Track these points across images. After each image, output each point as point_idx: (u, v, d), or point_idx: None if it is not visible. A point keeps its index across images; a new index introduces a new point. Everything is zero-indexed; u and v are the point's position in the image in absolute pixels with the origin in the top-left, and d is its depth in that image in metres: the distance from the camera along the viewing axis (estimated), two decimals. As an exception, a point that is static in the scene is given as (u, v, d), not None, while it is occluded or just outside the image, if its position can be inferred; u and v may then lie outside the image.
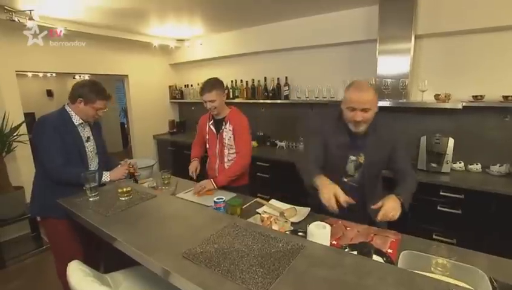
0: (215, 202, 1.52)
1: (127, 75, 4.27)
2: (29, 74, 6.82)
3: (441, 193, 2.24)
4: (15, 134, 2.74)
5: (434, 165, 2.44)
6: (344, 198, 1.24)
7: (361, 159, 1.52)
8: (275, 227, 1.40)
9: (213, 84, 2.03)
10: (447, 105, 2.39)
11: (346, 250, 1.15)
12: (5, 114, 2.77)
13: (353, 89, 1.42)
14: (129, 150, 5.49)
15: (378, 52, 2.63)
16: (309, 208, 1.64)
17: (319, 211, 1.67)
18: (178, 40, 4.27)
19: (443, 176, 2.36)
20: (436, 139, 2.45)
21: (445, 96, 2.41)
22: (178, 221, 1.19)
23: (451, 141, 2.40)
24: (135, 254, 0.98)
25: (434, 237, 2.29)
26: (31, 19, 2.56)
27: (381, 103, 2.58)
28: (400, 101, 2.54)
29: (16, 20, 2.65)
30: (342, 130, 1.52)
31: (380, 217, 1.26)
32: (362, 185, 1.55)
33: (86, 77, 7.43)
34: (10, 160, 2.85)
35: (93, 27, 3.36)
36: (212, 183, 1.97)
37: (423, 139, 2.52)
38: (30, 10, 2.52)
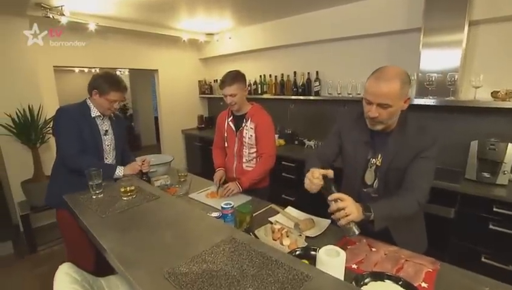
0: (222, 207, 1.39)
1: (157, 70, 4.31)
2: (76, 70, 7.31)
3: (495, 209, 1.88)
4: (48, 126, 2.85)
5: (487, 175, 2.07)
6: (318, 174, 1.11)
7: (378, 162, 1.27)
8: (285, 242, 1.23)
9: (235, 77, 1.89)
10: (508, 104, 2.00)
11: (367, 280, 0.95)
12: (40, 107, 2.90)
13: (372, 77, 1.14)
14: (161, 143, 5.60)
15: (422, 44, 2.29)
16: (329, 221, 1.43)
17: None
18: (207, 34, 4.21)
19: (498, 189, 1.99)
20: (490, 144, 2.07)
21: (506, 94, 2.01)
22: (173, 229, 1.07)
23: (510, 147, 2.01)
24: (117, 268, 0.88)
25: (482, 259, 1.95)
26: (62, 14, 2.62)
27: (423, 101, 2.26)
28: (447, 99, 2.19)
29: (51, 16, 2.74)
30: (362, 126, 1.28)
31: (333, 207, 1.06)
32: (383, 195, 1.28)
33: (126, 72, 7.86)
34: (44, 151, 2.98)
35: (124, 22, 3.40)
36: (238, 186, 1.84)
37: (474, 144, 2.15)
38: (61, 6, 2.58)
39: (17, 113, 2.73)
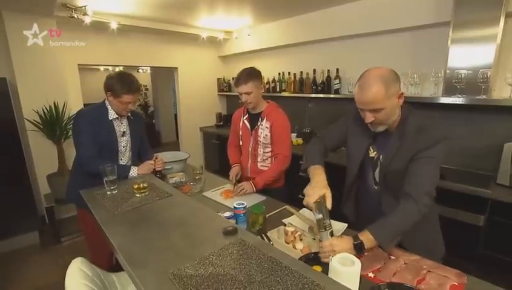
0: (234, 207, 1.36)
1: (177, 68, 4.37)
2: (101, 68, 7.59)
3: (531, 218, 1.73)
4: (71, 122, 2.95)
5: (522, 180, 1.91)
6: (329, 203, 1.10)
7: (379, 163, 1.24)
8: (298, 245, 1.19)
9: (250, 74, 1.84)
10: (548, 104, 1.83)
11: (383, 291, 0.88)
12: (64, 104, 3.01)
13: (357, 86, 1.12)
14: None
15: (451, 40, 2.14)
16: (346, 224, 1.37)
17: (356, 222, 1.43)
18: (226, 31, 4.20)
19: (535, 196, 1.83)
20: (527, 147, 1.91)
21: (545, 93, 1.85)
22: (182, 228, 1.06)
23: (549, 151, 1.84)
24: (124, 266, 0.88)
25: (515, 272, 1.80)
26: (85, 14, 2.70)
27: (451, 100, 2.12)
28: (477, 97, 2.04)
29: (75, 16, 2.83)
30: (366, 125, 1.22)
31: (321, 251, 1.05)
32: (383, 197, 1.26)
33: (148, 70, 8.05)
34: (68, 146, 3.08)
35: (144, 20, 3.46)
36: (252, 186, 1.82)
37: (509, 146, 1.99)
38: (84, 6, 2.66)
39: (43, 110, 2.85)
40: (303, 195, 3.23)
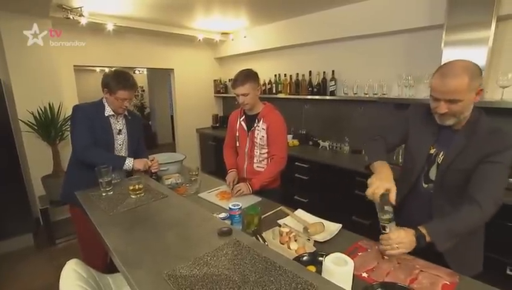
0: (230, 208, 1.37)
1: (173, 69, 4.37)
2: (98, 69, 7.55)
3: (522, 218, 1.76)
4: (67, 123, 2.94)
5: (514, 181, 1.94)
6: (393, 197, 1.06)
7: (439, 160, 1.19)
8: (293, 246, 1.20)
9: (247, 75, 1.86)
10: (539, 105, 1.87)
11: (377, 291, 0.89)
12: (60, 105, 2.99)
13: (438, 74, 1.08)
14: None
15: (444, 43, 2.17)
16: (340, 225, 1.38)
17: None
18: (222, 33, 4.21)
19: (526, 197, 1.85)
20: (518, 148, 1.93)
21: (536, 95, 1.88)
22: (177, 229, 1.06)
23: (541, 152, 1.86)
24: (119, 267, 0.88)
25: (508, 272, 1.83)
26: (81, 15, 2.69)
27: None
28: (470, 99, 2.07)
29: (71, 17, 2.82)
30: (430, 120, 1.20)
31: (382, 249, 1.07)
32: (437, 196, 1.20)
33: (144, 72, 8.03)
34: (63, 147, 3.08)
35: (141, 22, 3.47)
36: (248, 187, 1.83)
37: (501, 148, 2.02)
38: (80, 7, 2.65)
39: (38, 111, 2.83)
40: (299, 196, 3.20)
